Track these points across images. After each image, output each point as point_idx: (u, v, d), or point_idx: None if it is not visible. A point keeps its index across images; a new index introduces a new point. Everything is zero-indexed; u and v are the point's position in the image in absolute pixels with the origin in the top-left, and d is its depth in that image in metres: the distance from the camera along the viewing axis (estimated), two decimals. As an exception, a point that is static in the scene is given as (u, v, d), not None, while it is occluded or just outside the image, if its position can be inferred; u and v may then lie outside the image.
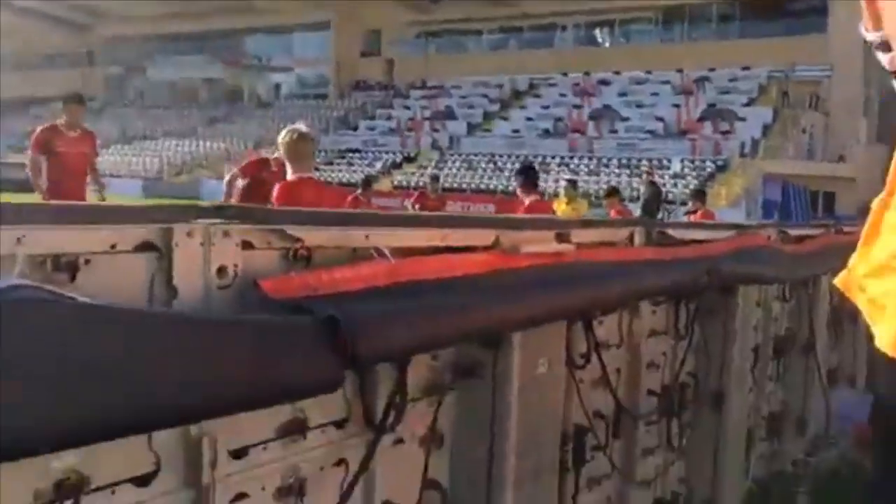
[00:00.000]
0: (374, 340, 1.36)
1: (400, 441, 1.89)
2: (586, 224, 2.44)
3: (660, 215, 18.12)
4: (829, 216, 26.89)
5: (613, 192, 10.87)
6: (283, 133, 4.81)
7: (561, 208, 11.51)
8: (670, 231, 2.92)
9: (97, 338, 1.00)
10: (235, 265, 1.44)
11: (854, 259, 1.41)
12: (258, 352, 1.24)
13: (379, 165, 35.15)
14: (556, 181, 28.98)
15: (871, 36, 1.27)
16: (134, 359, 1.04)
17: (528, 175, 7.38)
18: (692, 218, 10.83)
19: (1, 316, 0.88)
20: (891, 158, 1.31)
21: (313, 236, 1.57)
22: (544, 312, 1.93)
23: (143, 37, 49.77)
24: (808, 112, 32.04)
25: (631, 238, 2.70)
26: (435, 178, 14.27)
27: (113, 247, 1.26)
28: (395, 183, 33.23)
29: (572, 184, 12.93)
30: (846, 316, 5.25)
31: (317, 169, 37.14)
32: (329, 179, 32.78)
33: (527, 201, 7.03)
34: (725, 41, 35.68)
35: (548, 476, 2.17)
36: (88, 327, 1.00)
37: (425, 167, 34.20)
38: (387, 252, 1.67)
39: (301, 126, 4.92)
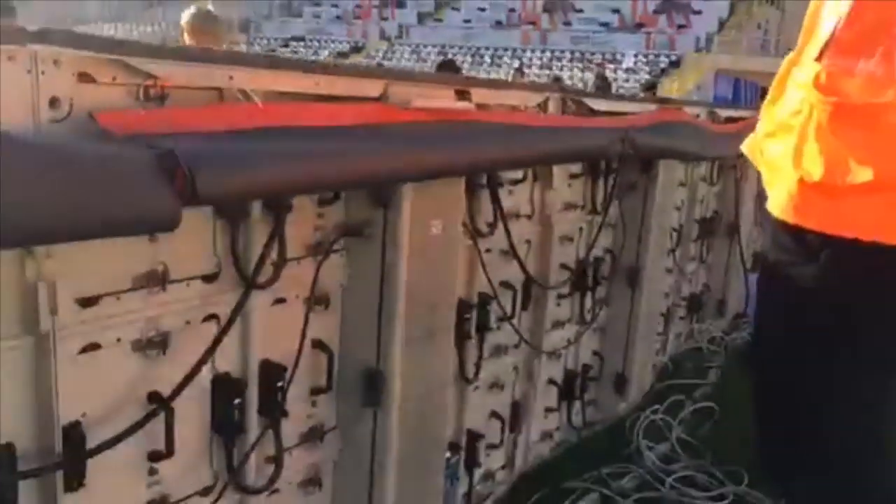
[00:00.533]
0: (216, 178, 1.27)
1: (281, 300, 1.83)
2: (493, 84, 2.34)
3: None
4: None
5: (556, 81, 10.64)
6: (185, 13, 4.46)
7: None
8: (588, 101, 2.84)
9: None
10: (71, 98, 1.32)
11: (759, 124, 1.37)
12: (87, 181, 1.14)
13: (325, 54, 34.08)
14: (508, 74, 28.60)
15: None
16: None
17: (449, 69, 7.28)
18: None
19: None
20: None
21: (167, 73, 1.44)
22: (436, 166, 1.85)
23: None
24: (764, 6, 31.79)
25: (544, 105, 2.61)
26: (380, 67, 13.92)
27: None
28: (342, 74, 32.32)
29: (519, 71, 12.89)
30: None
31: (259, 58, 36.08)
32: (273, 69, 31.77)
33: None
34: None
35: (442, 338, 2.15)
36: None
37: (373, 57, 33.30)
38: (255, 97, 1.56)
39: (207, 4, 4.62)
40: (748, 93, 27.08)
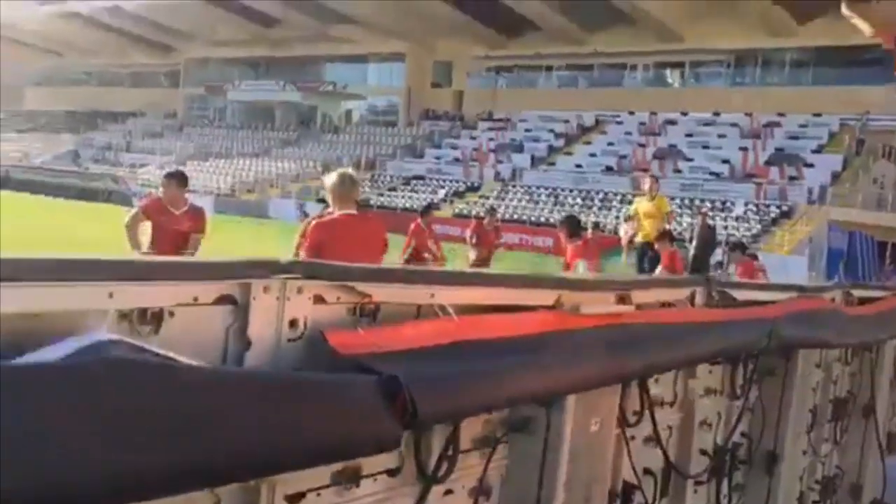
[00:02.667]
0: (433, 402, 1.38)
1: (449, 492, 1.90)
2: (647, 284, 2.43)
3: (717, 257, 17.77)
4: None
5: (665, 235, 10.45)
6: (331, 175, 5.41)
7: (642, 206, 12.03)
8: (732, 291, 2.88)
9: (175, 395, 1.05)
10: (306, 318, 1.48)
11: None
12: (323, 409, 1.27)
13: (442, 193, 35.43)
14: (617, 218, 28.78)
15: None
16: (207, 416, 1.08)
17: (572, 224, 7.57)
18: (737, 272, 10.59)
19: (98, 373, 0.94)
20: None
21: (380, 292, 1.60)
22: (600, 376, 1.93)
23: (225, 60, 51.51)
24: (881, 162, 31.08)
25: (692, 297, 2.67)
26: (492, 210, 14.32)
27: (195, 300, 1.32)
28: (457, 211, 33.40)
29: (655, 179, 13.21)
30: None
31: (381, 195, 37.53)
32: (393, 205, 33.23)
33: (570, 247, 7.30)
34: (797, 87, 34.99)
35: (595, 534, 2.15)
36: (168, 385, 1.05)
37: (487, 197, 34.34)
38: (450, 310, 1.70)
39: (347, 170, 5.60)
40: (863, 246, 26.09)
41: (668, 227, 11.59)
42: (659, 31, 36.53)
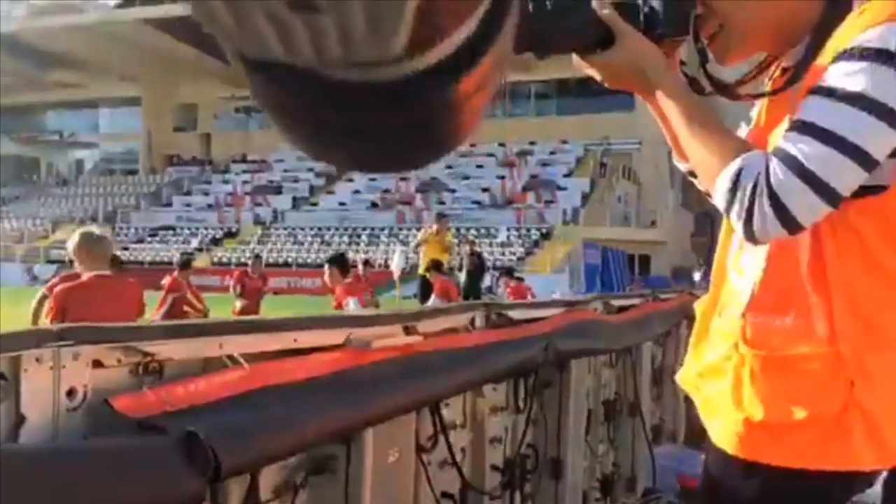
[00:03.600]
0: (235, 454, 1.40)
1: None
2: (431, 314, 2.59)
3: (486, 283, 18.98)
4: (644, 277, 29.15)
5: (433, 265, 11.18)
6: (74, 236, 5.15)
7: (427, 235, 13.30)
8: (508, 312, 3.15)
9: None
10: (85, 386, 1.44)
11: (688, 359, 1.59)
12: (113, 477, 1.25)
13: (195, 242, 34.13)
14: (386, 252, 29.51)
15: (683, 167, 1.52)
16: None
17: (340, 263, 7.76)
18: (508, 292, 11.58)
19: None
20: (695, 225, 1.53)
21: (164, 349, 1.60)
22: (395, 407, 2.04)
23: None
24: (622, 182, 34.88)
25: (472, 322, 2.88)
26: (257, 257, 14.09)
27: None
28: (216, 259, 32.37)
29: (442, 215, 14.92)
30: (666, 376, 5.72)
31: (125, 248, 35.05)
32: (140, 259, 31.50)
33: (339, 287, 7.48)
34: (544, 117, 38.34)
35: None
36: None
37: (248, 242, 33.65)
38: (240, 359, 1.73)
39: (93, 228, 5.46)
40: (615, 260, 29.14)
41: (439, 258, 12.29)
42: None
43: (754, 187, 1.13)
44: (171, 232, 35.77)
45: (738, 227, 1.17)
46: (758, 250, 1.30)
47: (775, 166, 1.13)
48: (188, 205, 38.36)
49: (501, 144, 37.31)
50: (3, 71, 40.92)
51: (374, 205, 35.73)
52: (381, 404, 1.98)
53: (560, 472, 3.67)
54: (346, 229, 33.51)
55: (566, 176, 35.28)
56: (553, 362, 3.26)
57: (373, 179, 37.70)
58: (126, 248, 33.73)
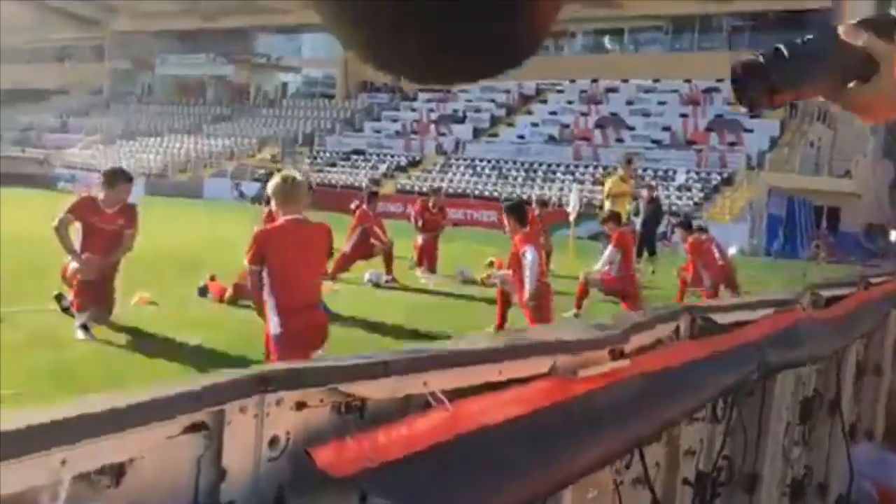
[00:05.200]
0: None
1: None
2: (635, 329, 2.32)
3: (662, 229, 18.01)
4: (831, 233, 26.74)
5: (611, 217, 10.33)
6: (274, 178, 5.29)
7: (616, 187, 13.05)
8: (714, 316, 2.81)
9: None
10: (287, 432, 1.32)
11: None
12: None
13: (383, 168, 35.07)
14: (561, 189, 28.94)
15: None
16: None
17: (519, 212, 7.47)
18: (686, 249, 10.62)
19: None
20: None
21: (367, 389, 1.45)
22: (598, 448, 1.81)
23: (153, 33, 49.68)
24: (816, 125, 31.91)
25: (677, 331, 2.58)
26: (437, 190, 14.10)
27: (160, 439, 1.15)
28: (399, 187, 33.14)
29: (629, 161, 14.43)
30: (869, 370, 5.15)
31: (320, 171, 36.71)
32: (333, 182, 32.79)
33: (517, 236, 7.23)
34: (735, 52, 35.58)
35: None
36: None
37: (430, 171, 34.13)
38: (443, 398, 1.55)
39: (293, 171, 5.47)
40: (801, 211, 26.86)
41: (620, 208, 11.80)
42: (597, -1, 36.60)
43: None
44: (361, 157, 36.94)
45: None
46: None
47: None
48: (378, 131, 39.37)
49: (687, 81, 35.09)
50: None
51: (552, 139, 34.98)
52: (587, 446, 1.76)
53: (754, 486, 3.34)
54: (522, 164, 33.13)
55: (754, 116, 32.70)
56: (762, 374, 2.90)
57: (553, 113, 36.89)
58: (321, 171, 35.34)
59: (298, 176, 5.56)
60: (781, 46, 1.01)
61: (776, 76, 0.99)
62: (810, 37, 1.05)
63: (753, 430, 3.27)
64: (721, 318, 2.88)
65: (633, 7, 36.62)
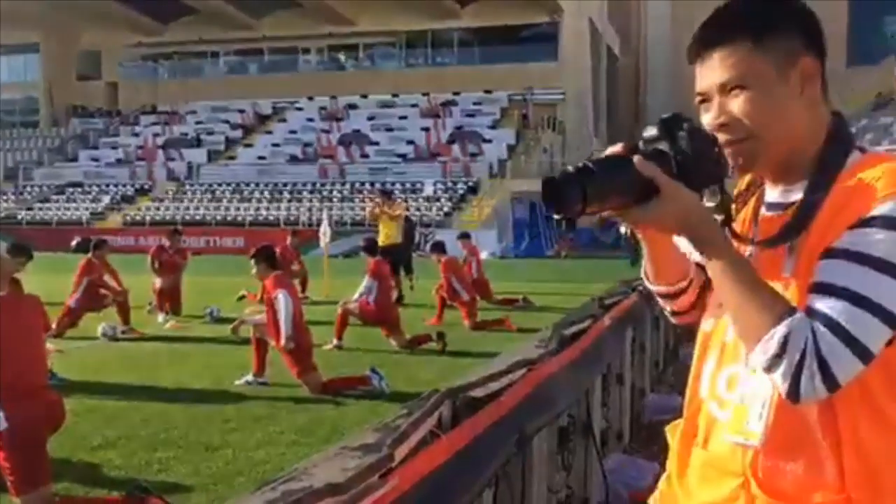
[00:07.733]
0: None
1: None
2: (399, 440, 2.37)
3: (416, 239, 18.73)
4: (571, 230, 29.40)
5: (368, 247, 10.50)
6: None
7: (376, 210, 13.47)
8: (473, 393, 2.96)
9: None
10: None
11: (670, 490, 1.51)
12: None
13: (106, 200, 32.78)
14: (309, 209, 28.92)
15: (653, 287, 1.47)
16: None
17: (266, 255, 7.37)
18: (441, 269, 11.23)
19: None
20: None
21: None
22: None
23: None
24: (547, 132, 34.88)
25: (440, 422, 2.68)
26: (175, 232, 13.39)
27: None
28: (128, 219, 31.23)
29: (387, 194, 14.50)
30: (613, 379, 5.63)
31: (29, 209, 33.41)
32: (46, 219, 30.14)
33: (267, 283, 7.17)
34: (467, 66, 37.85)
35: None
36: None
37: (161, 199, 32.52)
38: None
39: None
40: (542, 214, 29.31)
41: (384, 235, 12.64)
42: (329, 15, 37.10)
43: (803, 353, 1.19)
44: (79, 189, 34.19)
45: (783, 387, 1.22)
46: (745, 385, 1.33)
47: (823, 333, 1.20)
48: (95, 159, 36.67)
49: (425, 94, 36.72)
50: None
51: (294, 158, 34.83)
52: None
53: None
54: (266, 185, 32.65)
55: (491, 127, 35.06)
56: (521, 443, 3.10)
57: (293, 132, 36.75)
58: (30, 209, 32.19)
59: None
60: (589, 163, 1.19)
61: (591, 189, 1.17)
62: (607, 155, 1.24)
63: (518, 486, 3.48)
64: (478, 393, 3.04)
65: (366, 23, 37.61)
